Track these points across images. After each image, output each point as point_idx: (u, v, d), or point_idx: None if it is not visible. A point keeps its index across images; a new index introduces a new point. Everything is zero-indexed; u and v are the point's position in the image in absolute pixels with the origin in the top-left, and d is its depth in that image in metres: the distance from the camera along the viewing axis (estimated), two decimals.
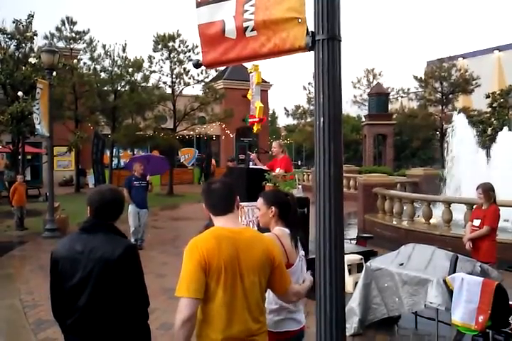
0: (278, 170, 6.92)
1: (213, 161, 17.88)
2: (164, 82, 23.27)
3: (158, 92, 22.84)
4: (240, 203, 2.71)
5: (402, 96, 41.75)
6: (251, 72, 8.36)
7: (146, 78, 22.79)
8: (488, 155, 13.26)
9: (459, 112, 19.91)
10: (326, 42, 2.12)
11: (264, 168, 7.56)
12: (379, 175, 13.31)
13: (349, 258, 6.43)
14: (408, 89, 40.40)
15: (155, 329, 4.38)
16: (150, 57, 22.59)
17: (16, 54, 17.67)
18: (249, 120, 8.40)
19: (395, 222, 10.56)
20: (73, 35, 23.64)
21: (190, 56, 22.36)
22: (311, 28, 2.16)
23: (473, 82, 35.00)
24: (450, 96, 35.58)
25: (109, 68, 22.65)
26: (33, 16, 18.08)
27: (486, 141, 20.91)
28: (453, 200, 9.62)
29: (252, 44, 2.33)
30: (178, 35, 22.19)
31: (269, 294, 2.53)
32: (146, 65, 22.56)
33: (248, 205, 5.94)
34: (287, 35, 2.20)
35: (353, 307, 4.99)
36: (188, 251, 2.22)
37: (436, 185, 13.49)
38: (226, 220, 2.34)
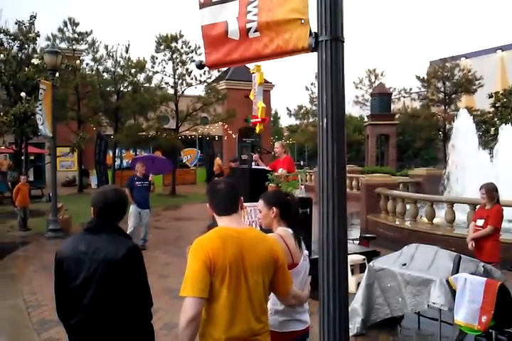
0: (280, 171, 6.92)
1: (219, 161, 17.83)
2: (167, 83, 23.32)
3: (161, 93, 22.87)
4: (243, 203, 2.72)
5: (404, 96, 41.69)
6: (253, 73, 8.37)
7: (148, 79, 22.84)
8: (491, 154, 13.23)
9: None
10: (329, 43, 2.13)
11: (267, 168, 7.57)
12: (381, 175, 13.30)
13: (352, 259, 6.44)
14: (410, 89, 40.35)
15: (158, 329, 4.39)
16: (153, 57, 22.64)
17: (19, 55, 17.73)
18: (252, 120, 8.40)
19: (397, 222, 10.55)
20: (76, 36, 23.70)
21: (192, 57, 22.40)
22: (314, 29, 2.17)
23: (476, 82, 34.98)
24: (453, 96, 35.57)
25: (112, 69, 22.71)
26: (35, 17, 18.14)
27: (489, 141, 20.86)
28: (456, 200, 9.61)
29: (255, 45, 2.34)
30: (181, 36, 22.24)
31: (274, 295, 2.53)
32: (148, 65, 22.63)
33: (251, 206, 5.94)
34: (290, 36, 2.21)
35: (356, 307, 4.99)
36: (192, 250, 2.23)
37: (439, 185, 13.47)
38: (230, 220, 2.36)
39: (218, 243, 2.22)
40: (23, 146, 18.17)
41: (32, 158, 23.60)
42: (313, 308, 3.52)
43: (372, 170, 23.47)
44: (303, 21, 2.18)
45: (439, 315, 4.51)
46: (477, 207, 8.23)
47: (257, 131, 8.41)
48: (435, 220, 9.85)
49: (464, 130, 13.72)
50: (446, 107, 35.55)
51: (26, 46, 17.98)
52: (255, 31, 2.31)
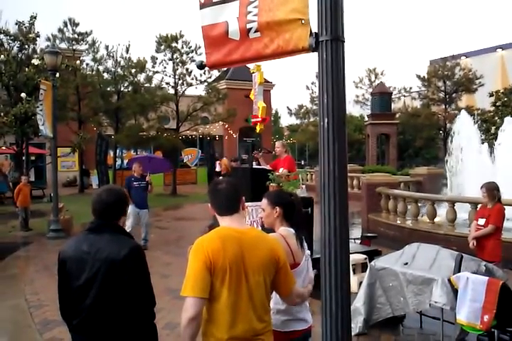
0: (281, 170, 6.92)
1: (226, 161, 17.75)
2: (167, 83, 23.32)
3: (161, 93, 22.87)
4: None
5: (405, 96, 41.71)
6: (253, 72, 8.35)
7: (149, 79, 22.83)
8: (492, 153, 13.22)
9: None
10: (330, 43, 2.13)
11: (268, 167, 7.57)
12: (382, 175, 13.30)
13: (353, 258, 6.44)
14: (411, 89, 40.38)
15: (160, 329, 4.38)
16: (153, 58, 22.64)
17: (19, 55, 17.72)
18: (252, 120, 8.39)
19: (398, 222, 10.55)
20: (76, 36, 23.72)
21: (193, 57, 22.41)
22: (315, 29, 2.17)
23: (477, 81, 34.98)
24: (453, 95, 35.59)
25: (112, 69, 22.71)
26: (35, 18, 18.12)
27: (490, 140, 20.84)
28: (457, 199, 9.60)
29: (255, 45, 2.34)
30: (181, 36, 22.24)
31: (276, 294, 2.54)
32: (149, 65, 22.63)
33: (252, 205, 5.94)
34: (291, 37, 2.21)
35: (358, 306, 4.99)
36: (193, 251, 2.24)
37: (440, 184, 13.47)
38: (231, 220, 2.36)
39: (218, 243, 2.23)
40: (24, 147, 18.18)
41: (33, 158, 23.61)
42: (315, 308, 3.52)
43: (373, 169, 23.46)
44: (303, 21, 2.18)
45: (441, 314, 4.52)
46: (479, 206, 8.26)
47: (258, 131, 8.40)
48: (436, 219, 9.85)
49: (464, 132, 13.68)
50: (447, 106, 35.56)
51: (26, 47, 17.97)
52: (256, 31, 2.31)
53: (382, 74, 41.86)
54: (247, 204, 5.73)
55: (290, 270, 2.47)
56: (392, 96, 36.48)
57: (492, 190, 5.56)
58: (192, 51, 22.37)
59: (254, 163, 8.43)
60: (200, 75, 23.02)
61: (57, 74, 12.82)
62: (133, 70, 22.19)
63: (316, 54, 2.18)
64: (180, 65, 22.58)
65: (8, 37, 17.60)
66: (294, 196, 2.93)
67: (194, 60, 22.30)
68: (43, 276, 7.55)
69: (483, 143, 14.07)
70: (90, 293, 2.39)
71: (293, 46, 2.21)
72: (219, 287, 2.20)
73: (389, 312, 4.88)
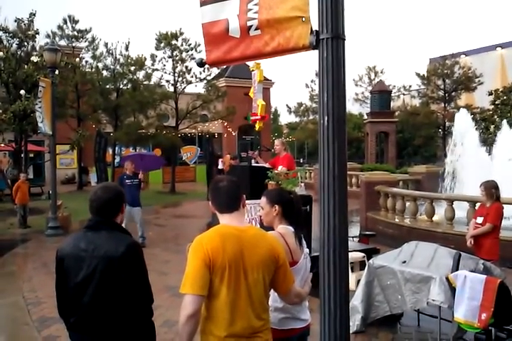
0: (280, 168, 6.92)
1: (228, 158, 17.60)
2: (167, 81, 23.30)
3: (161, 90, 22.84)
4: None
5: (404, 94, 41.62)
6: (253, 70, 8.34)
7: (148, 76, 22.80)
8: (490, 152, 13.24)
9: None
10: (330, 41, 2.13)
11: (267, 165, 7.57)
12: (381, 173, 13.29)
13: (352, 256, 6.44)
14: (410, 87, 40.30)
15: (159, 327, 4.38)
16: (152, 55, 22.61)
17: (18, 52, 17.70)
18: (252, 118, 8.39)
19: (397, 220, 10.55)
20: (75, 33, 23.66)
21: (192, 54, 22.39)
22: (315, 27, 2.17)
23: (476, 80, 34.94)
24: (453, 93, 35.54)
25: (112, 66, 22.67)
26: (34, 15, 18.11)
27: (489, 139, 20.86)
28: (455, 198, 9.61)
29: (255, 43, 2.34)
30: (181, 34, 22.21)
31: (274, 292, 2.54)
32: (148, 63, 22.60)
33: (251, 203, 5.94)
34: (291, 34, 2.21)
35: (356, 304, 5.00)
36: (193, 248, 2.25)
37: (439, 182, 13.48)
38: (231, 218, 2.37)
39: (218, 241, 2.23)
40: (23, 144, 18.16)
41: (31, 155, 23.60)
42: (314, 306, 3.53)
43: (372, 167, 23.48)
44: (304, 19, 2.18)
45: (439, 313, 4.53)
46: (477, 204, 8.26)
47: (257, 129, 8.40)
48: (435, 218, 9.86)
49: (464, 131, 13.69)
50: (446, 105, 35.53)
51: (25, 44, 17.96)
52: (256, 29, 2.31)
53: (381, 72, 41.80)
54: (246, 202, 5.73)
55: (290, 269, 2.47)
56: (392, 95, 36.46)
57: (490, 188, 5.56)
58: (192, 49, 22.35)
59: (252, 160, 8.42)
60: (200, 73, 23.04)
61: (57, 72, 12.80)
62: (132, 68, 22.16)
63: (316, 52, 2.18)
64: (180, 62, 22.56)
65: (7, 34, 17.59)
66: (293, 194, 2.93)
67: (194, 58, 22.28)
68: (41, 273, 7.55)
69: (482, 141, 14.09)
70: (88, 291, 2.39)
71: (293, 44, 2.21)
72: (218, 285, 2.20)
73: (387, 310, 4.89)
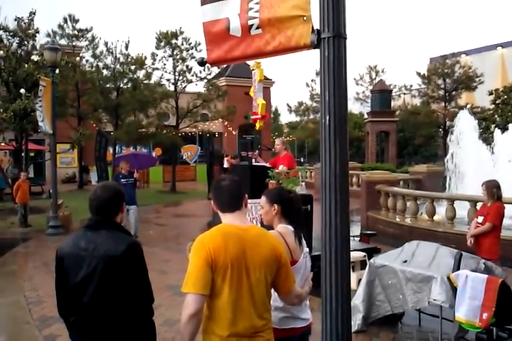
0: (281, 168, 6.91)
1: (229, 158, 17.51)
2: (167, 80, 23.31)
3: (161, 89, 22.84)
4: None
5: (404, 93, 41.63)
6: (253, 69, 8.34)
7: (148, 75, 22.80)
8: (492, 151, 13.23)
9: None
10: (332, 40, 2.11)
11: (267, 165, 7.57)
12: (382, 172, 13.29)
13: (352, 255, 6.43)
14: (411, 86, 40.28)
15: (159, 326, 4.37)
16: (153, 54, 22.60)
17: (19, 51, 17.68)
18: (252, 117, 8.40)
19: (398, 219, 10.55)
20: (76, 32, 23.66)
21: (192, 53, 22.40)
22: (317, 26, 2.16)
23: (477, 79, 34.94)
24: (453, 93, 35.54)
25: (112, 65, 22.66)
26: (34, 14, 18.09)
27: (489, 138, 20.85)
28: (456, 197, 9.60)
29: (256, 42, 2.32)
30: (181, 33, 22.21)
31: (274, 292, 2.54)
32: (148, 62, 22.60)
33: (251, 202, 5.93)
34: (292, 33, 2.19)
35: (357, 304, 5.00)
36: (195, 247, 2.24)
37: (440, 182, 13.47)
38: (233, 217, 2.36)
39: (220, 240, 2.22)
40: (23, 143, 18.16)
41: (32, 154, 23.59)
42: (315, 305, 3.53)
43: (373, 166, 23.47)
44: (305, 18, 2.17)
45: (440, 312, 4.52)
46: (478, 204, 8.26)
47: (257, 128, 8.41)
48: (435, 217, 9.85)
49: (466, 131, 13.67)
50: (447, 104, 35.52)
51: (26, 43, 17.94)
52: (257, 28, 2.30)
53: (383, 71, 41.78)
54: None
55: (291, 269, 2.47)
56: (392, 94, 36.44)
57: (492, 187, 5.54)
58: (192, 48, 22.35)
59: (253, 160, 8.43)
60: (200, 72, 23.02)
61: (57, 71, 12.80)
62: (132, 67, 22.15)
63: (317, 51, 2.17)
64: (180, 61, 22.54)
65: (7, 33, 17.58)
66: (292, 193, 2.93)
67: (194, 57, 22.28)
68: (42, 273, 7.55)
69: (483, 140, 14.08)
70: (88, 290, 2.38)
71: (294, 43, 2.20)
72: (220, 284, 2.19)
73: (388, 309, 4.89)
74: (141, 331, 2.46)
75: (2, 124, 16.41)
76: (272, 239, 2.42)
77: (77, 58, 21.45)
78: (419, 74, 36.76)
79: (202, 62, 2.66)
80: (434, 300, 4.33)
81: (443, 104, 35.85)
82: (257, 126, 8.28)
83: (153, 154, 26.76)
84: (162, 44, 22.22)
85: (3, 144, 19.27)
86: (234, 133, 32.69)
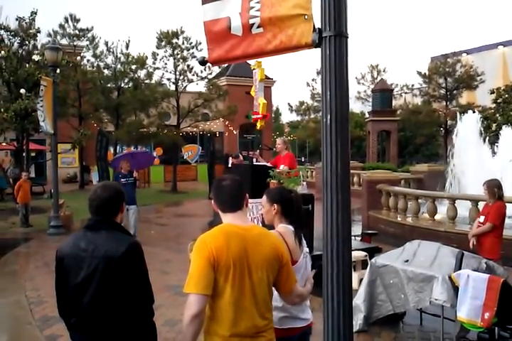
0: (282, 167, 6.90)
1: (240, 157, 17.27)
2: (168, 79, 23.31)
3: (162, 89, 22.85)
4: None
5: (406, 92, 41.54)
6: (254, 69, 8.32)
7: (149, 75, 22.80)
8: (493, 151, 13.22)
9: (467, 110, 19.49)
10: (333, 39, 2.11)
11: (268, 164, 7.56)
12: (383, 172, 13.28)
13: (354, 255, 6.42)
14: (412, 85, 40.19)
15: (160, 326, 4.39)
16: (154, 54, 22.60)
17: (20, 51, 17.69)
18: (253, 116, 8.37)
19: (399, 219, 10.54)
20: (77, 32, 23.66)
21: (193, 53, 22.39)
22: (318, 25, 2.15)
23: (478, 78, 34.87)
24: (454, 92, 35.47)
25: (113, 65, 22.66)
26: (36, 13, 18.09)
27: (491, 137, 20.82)
28: (458, 197, 9.59)
29: (258, 41, 2.32)
30: (182, 32, 22.20)
31: (275, 291, 2.53)
32: (149, 61, 22.62)
33: (252, 202, 5.93)
34: (293, 32, 2.19)
35: (358, 303, 4.99)
36: (196, 247, 2.22)
37: (441, 181, 13.44)
38: (234, 217, 2.35)
39: (222, 240, 2.21)
40: (24, 143, 18.17)
41: (33, 154, 23.60)
42: (316, 305, 3.52)
43: (374, 166, 23.44)
44: (306, 17, 2.16)
45: (442, 312, 4.51)
46: (479, 203, 8.24)
47: (258, 128, 8.38)
48: (437, 216, 9.84)
49: (468, 132, 13.64)
50: (448, 103, 35.47)
51: (27, 42, 17.95)
52: (258, 27, 2.29)
53: (384, 70, 41.68)
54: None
55: (292, 268, 2.46)
56: (394, 93, 36.39)
57: (493, 187, 5.51)
58: (193, 47, 22.34)
59: (254, 159, 8.41)
60: (201, 71, 23.01)
61: (58, 70, 12.79)
62: (133, 66, 22.16)
63: (318, 50, 2.16)
64: (181, 61, 22.53)
65: (8, 33, 17.58)
66: (293, 193, 2.92)
67: (195, 56, 22.28)
68: (43, 273, 7.55)
69: (484, 140, 14.04)
70: (88, 291, 2.37)
71: (296, 42, 2.19)
72: (222, 284, 2.18)
73: (389, 309, 4.88)
74: (141, 332, 2.46)
75: (3, 124, 16.42)
76: (274, 238, 2.42)
77: (78, 58, 21.46)
78: (420, 73, 36.70)
79: (203, 62, 2.65)
80: (436, 299, 4.33)
81: (444, 103, 35.78)
82: (258, 125, 8.26)
83: (154, 154, 26.76)
84: (163, 43, 22.21)
85: (4, 144, 19.28)
86: (235, 132, 32.68)
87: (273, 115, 46.88)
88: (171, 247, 9.59)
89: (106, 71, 22.91)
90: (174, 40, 22.10)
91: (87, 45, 23.75)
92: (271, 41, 2.26)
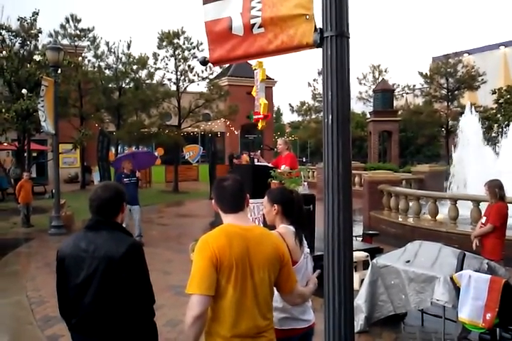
0: (283, 167, 6.90)
1: (247, 158, 17.09)
2: (169, 79, 23.31)
3: (163, 89, 22.86)
4: None
5: (407, 93, 41.47)
6: (255, 69, 8.32)
7: (150, 75, 22.80)
8: (495, 151, 13.20)
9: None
10: (335, 39, 2.10)
11: (269, 165, 7.55)
12: (384, 172, 13.27)
13: (355, 255, 6.39)
14: (414, 86, 40.13)
15: (161, 326, 4.39)
16: (155, 54, 22.61)
17: (21, 51, 17.70)
18: (254, 117, 8.37)
19: (400, 219, 10.53)
20: (78, 32, 23.68)
21: (194, 53, 22.39)
22: (319, 25, 2.15)
23: (479, 78, 34.82)
24: (456, 92, 35.41)
25: (114, 65, 22.67)
26: (37, 14, 18.09)
27: (493, 138, 20.80)
28: (459, 197, 9.58)
29: (259, 41, 2.31)
30: (183, 32, 22.21)
31: (275, 292, 2.52)
32: (150, 62, 22.62)
33: (253, 202, 5.93)
34: (295, 32, 2.18)
35: (360, 304, 4.98)
36: (198, 248, 2.21)
37: (442, 181, 13.44)
38: (235, 218, 2.34)
39: (224, 240, 2.20)
40: (26, 143, 18.18)
41: (34, 154, 23.62)
42: (317, 305, 3.52)
43: (375, 166, 23.41)
44: (308, 17, 2.15)
45: (443, 312, 4.50)
46: (481, 203, 8.23)
47: (259, 128, 8.38)
48: (438, 217, 9.83)
49: (469, 130, 13.63)
50: (449, 104, 35.42)
51: (28, 43, 17.95)
52: (259, 27, 2.29)
53: (385, 71, 41.62)
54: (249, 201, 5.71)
55: (292, 268, 2.45)
56: (395, 94, 36.34)
57: (494, 187, 5.49)
58: (194, 47, 22.35)
59: (255, 160, 8.42)
60: (202, 72, 23.02)
61: (59, 71, 12.80)
62: (134, 67, 22.17)
63: (320, 50, 2.16)
64: (182, 61, 22.54)
65: (10, 33, 17.57)
66: (294, 193, 2.92)
67: (196, 57, 22.29)
68: (45, 273, 7.55)
69: (485, 140, 14.04)
70: (89, 291, 2.37)
71: (297, 42, 2.19)
72: (224, 284, 2.17)
73: (390, 309, 4.87)
74: (142, 332, 2.45)
75: (4, 124, 16.42)
76: (275, 238, 2.42)
77: (79, 58, 21.45)
78: (421, 73, 36.65)
79: (204, 62, 2.65)
80: (437, 300, 4.32)
81: (445, 103, 35.72)
82: (259, 125, 8.26)
83: (156, 154, 26.77)
84: (164, 44, 22.22)
85: (5, 144, 19.27)
86: (236, 133, 32.70)
87: (274, 115, 46.88)
88: (173, 247, 9.58)
89: (107, 71, 22.92)
90: (175, 41, 22.11)
91: (88, 46, 23.77)
92: (272, 41, 2.26)
